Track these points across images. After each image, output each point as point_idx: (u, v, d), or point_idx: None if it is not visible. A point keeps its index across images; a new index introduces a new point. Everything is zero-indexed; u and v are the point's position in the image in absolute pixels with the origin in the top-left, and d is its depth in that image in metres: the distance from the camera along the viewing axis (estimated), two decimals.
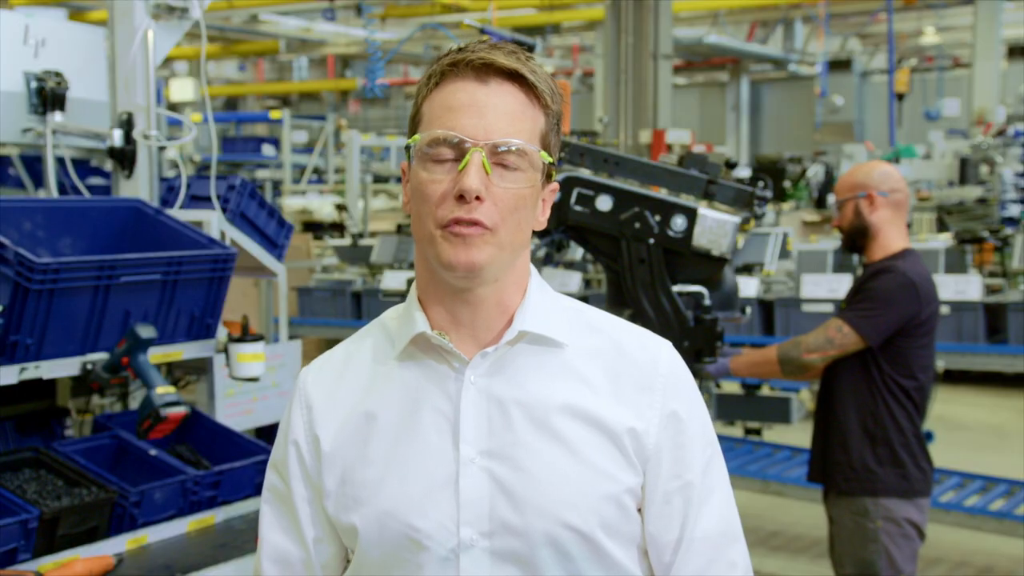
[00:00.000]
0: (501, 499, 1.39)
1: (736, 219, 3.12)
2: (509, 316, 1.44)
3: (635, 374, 1.45)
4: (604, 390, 1.44)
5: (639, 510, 1.45)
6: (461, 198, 1.35)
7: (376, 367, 1.49)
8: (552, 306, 1.48)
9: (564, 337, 1.46)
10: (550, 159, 1.42)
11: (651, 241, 3.09)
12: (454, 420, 1.42)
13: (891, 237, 3.37)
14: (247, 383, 3.22)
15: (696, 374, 3.16)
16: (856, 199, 3.37)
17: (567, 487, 1.39)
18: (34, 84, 3.29)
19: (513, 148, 1.37)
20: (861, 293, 3.31)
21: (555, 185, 1.48)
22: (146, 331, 2.71)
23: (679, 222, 3.09)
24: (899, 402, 3.30)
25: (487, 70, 1.39)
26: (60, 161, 3.36)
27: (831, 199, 11.43)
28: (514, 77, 1.39)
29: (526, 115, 1.40)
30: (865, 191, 3.36)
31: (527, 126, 1.40)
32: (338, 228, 10.50)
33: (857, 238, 3.40)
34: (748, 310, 3.36)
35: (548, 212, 1.48)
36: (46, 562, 2.54)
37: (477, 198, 1.35)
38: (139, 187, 3.31)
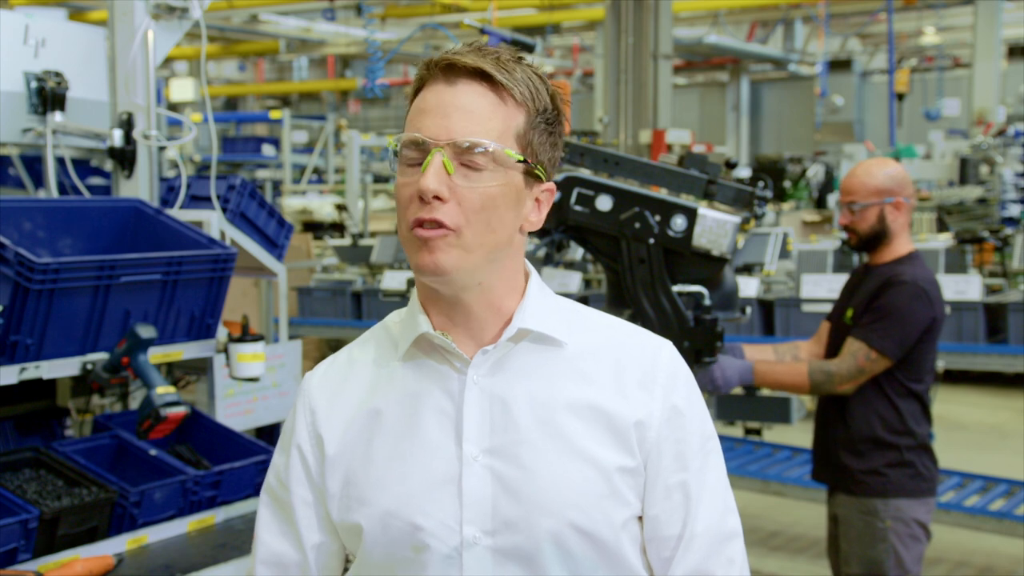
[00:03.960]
0: (504, 497, 1.40)
1: (736, 219, 3.12)
2: (504, 317, 1.45)
3: (636, 371, 1.46)
4: (606, 385, 1.44)
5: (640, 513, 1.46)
6: (422, 199, 1.36)
7: (379, 369, 1.49)
8: (552, 306, 1.49)
9: (564, 336, 1.46)
10: (520, 157, 1.40)
11: (651, 241, 3.09)
12: (456, 419, 1.43)
13: (902, 240, 3.36)
14: (247, 383, 3.22)
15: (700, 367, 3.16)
16: (882, 204, 3.31)
17: (570, 484, 1.40)
18: (34, 84, 3.29)
19: (475, 147, 1.37)
20: (875, 312, 3.27)
21: (550, 185, 1.46)
22: (146, 331, 2.71)
23: (679, 222, 3.09)
24: (909, 405, 3.30)
25: (452, 71, 1.39)
26: (60, 161, 3.36)
27: (831, 199, 11.48)
28: (481, 76, 1.39)
29: (496, 114, 1.39)
30: (893, 197, 3.31)
31: (496, 125, 1.39)
32: (338, 228, 10.50)
33: (872, 241, 3.36)
34: (748, 310, 3.35)
35: (544, 213, 1.46)
36: (46, 562, 2.54)
37: (437, 198, 1.35)
38: (139, 187, 3.31)
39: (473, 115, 1.38)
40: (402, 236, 1.41)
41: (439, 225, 1.36)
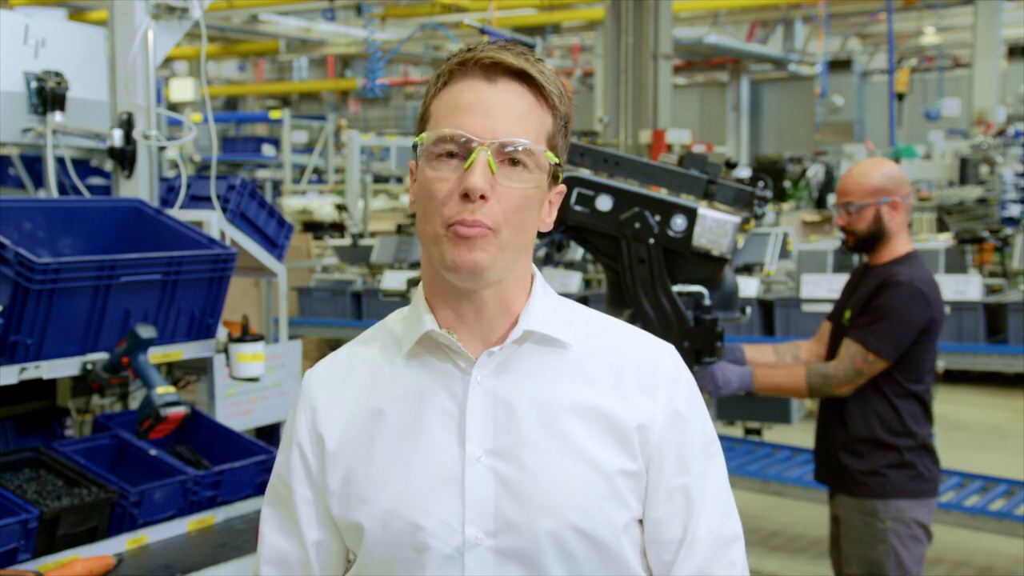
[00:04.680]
0: (506, 498, 1.40)
1: (736, 219, 3.12)
2: (513, 316, 1.45)
3: (638, 374, 1.46)
4: (609, 389, 1.44)
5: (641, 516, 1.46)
6: (466, 197, 1.35)
7: (381, 367, 1.49)
8: (556, 307, 1.49)
9: (569, 338, 1.46)
10: (556, 160, 1.42)
11: (651, 241, 3.09)
12: (460, 419, 1.42)
13: (901, 241, 3.36)
14: (247, 383, 3.22)
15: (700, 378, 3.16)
16: (878, 204, 3.30)
17: (572, 486, 1.40)
18: (34, 84, 3.29)
19: (520, 148, 1.38)
20: (871, 313, 3.26)
21: (562, 187, 1.48)
22: (146, 331, 2.71)
23: (679, 222, 3.09)
24: (908, 406, 3.29)
25: (496, 69, 1.39)
26: (60, 161, 3.36)
27: (831, 199, 11.49)
28: (522, 77, 1.40)
29: (533, 115, 1.40)
30: (889, 196, 3.30)
31: (534, 126, 1.40)
32: (338, 228, 10.50)
33: (870, 241, 3.35)
34: (748, 310, 3.35)
35: (555, 213, 1.48)
36: (46, 562, 2.54)
37: (482, 197, 1.35)
38: (139, 187, 3.31)
39: (515, 115, 1.39)
40: (431, 232, 1.39)
41: (479, 225, 1.36)
